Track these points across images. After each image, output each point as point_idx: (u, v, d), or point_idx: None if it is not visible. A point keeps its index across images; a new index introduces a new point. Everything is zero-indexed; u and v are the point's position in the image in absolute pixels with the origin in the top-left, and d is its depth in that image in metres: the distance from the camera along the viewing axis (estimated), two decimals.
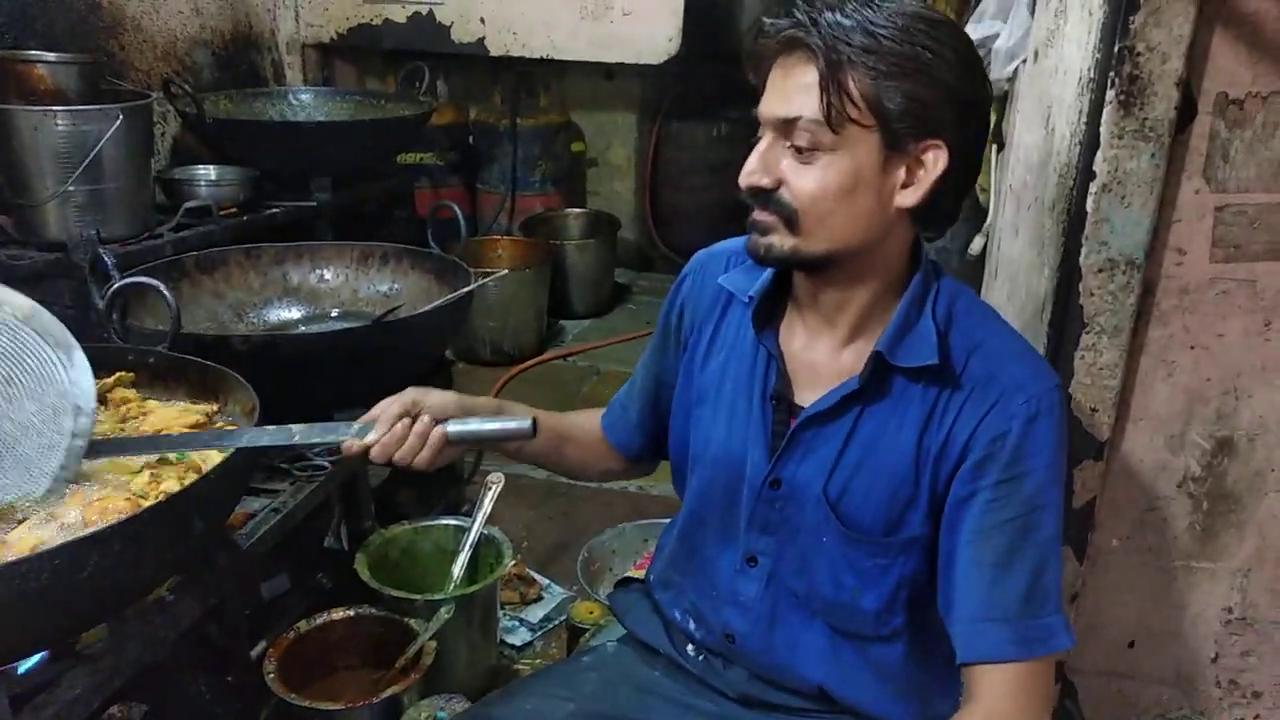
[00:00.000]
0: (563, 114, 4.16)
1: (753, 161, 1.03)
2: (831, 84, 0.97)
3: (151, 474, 1.24)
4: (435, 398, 1.17)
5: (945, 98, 0.97)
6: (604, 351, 3.59)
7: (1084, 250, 1.30)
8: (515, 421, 1.15)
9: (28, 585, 0.98)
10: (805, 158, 1.00)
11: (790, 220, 1.02)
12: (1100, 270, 1.29)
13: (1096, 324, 1.31)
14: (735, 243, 1.24)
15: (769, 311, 1.15)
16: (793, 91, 0.99)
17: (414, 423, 1.14)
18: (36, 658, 1.16)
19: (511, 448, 1.26)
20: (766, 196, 1.03)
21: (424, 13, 3.36)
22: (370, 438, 1.13)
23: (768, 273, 1.14)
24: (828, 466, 1.09)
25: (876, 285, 1.08)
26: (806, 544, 1.12)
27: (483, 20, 3.35)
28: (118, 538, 1.05)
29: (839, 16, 0.97)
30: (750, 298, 1.14)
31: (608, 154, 4.41)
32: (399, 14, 3.38)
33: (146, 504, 1.17)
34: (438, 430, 1.14)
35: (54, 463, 1.17)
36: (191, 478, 1.22)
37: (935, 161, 0.99)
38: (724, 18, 3.93)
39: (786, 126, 1.00)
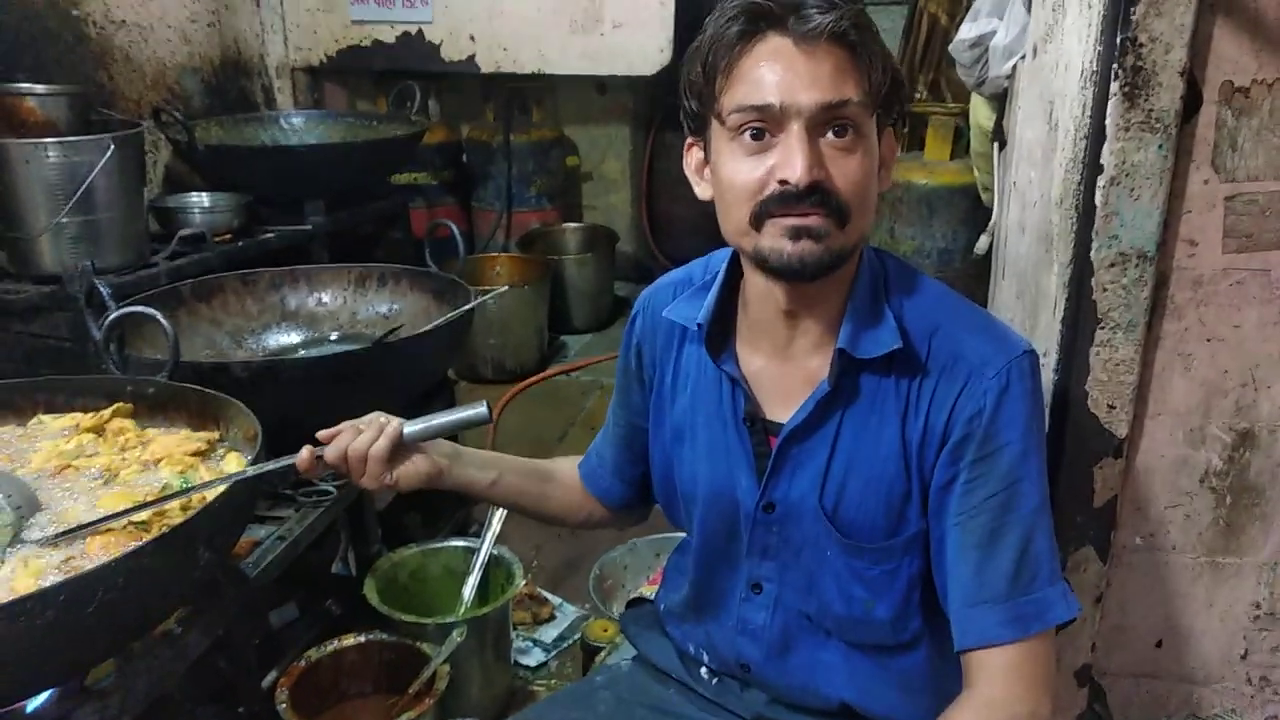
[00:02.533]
0: (556, 129, 4.15)
1: (804, 155, 0.93)
2: (871, 65, 0.95)
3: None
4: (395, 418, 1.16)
5: (898, 78, 1.00)
6: (607, 366, 3.56)
7: (1094, 245, 1.28)
8: (471, 409, 1.14)
9: (33, 622, 0.96)
10: (848, 145, 0.96)
11: (842, 218, 0.97)
12: (1112, 265, 1.28)
13: (1110, 319, 1.29)
14: (675, 274, 1.22)
15: (720, 334, 1.12)
16: (829, 76, 0.94)
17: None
18: (45, 695, 1.13)
19: (484, 481, 1.23)
20: (819, 196, 0.95)
21: (413, 32, 3.35)
22: (335, 444, 1.12)
23: (710, 297, 1.11)
24: (818, 479, 1.06)
25: (847, 279, 1.06)
26: (810, 562, 1.10)
27: (472, 38, 3.34)
28: (123, 570, 1.03)
29: (826, 2, 0.95)
30: (699, 325, 1.10)
31: (602, 167, 4.40)
32: (388, 34, 3.37)
33: (150, 535, 1.15)
34: (393, 425, 1.13)
35: None
36: (195, 507, 1.20)
37: (892, 148, 1.03)
38: None
39: (828, 113, 0.94)
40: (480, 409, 1.14)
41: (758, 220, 0.98)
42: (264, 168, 2.60)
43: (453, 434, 1.20)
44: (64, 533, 1.13)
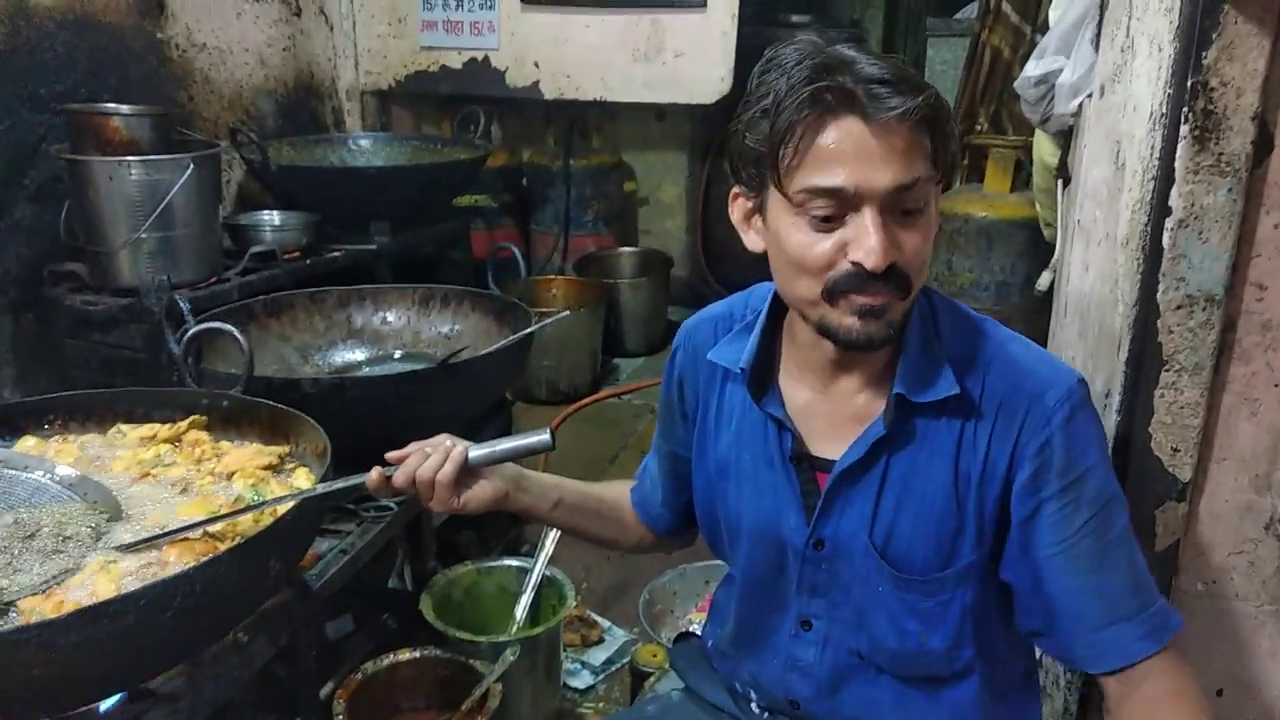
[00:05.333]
0: (614, 154, 4.20)
1: (881, 242, 0.93)
2: (939, 140, 0.96)
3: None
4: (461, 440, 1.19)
5: (957, 139, 1.03)
6: (658, 389, 3.58)
7: (1161, 287, 1.27)
8: (534, 436, 1.16)
9: (115, 626, 1.00)
10: (913, 220, 0.96)
11: (905, 289, 0.98)
12: (1179, 307, 1.27)
13: (1176, 361, 1.28)
14: (716, 308, 1.22)
15: (763, 375, 1.13)
16: (900, 157, 0.93)
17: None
18: (116, 697, 1.17)
19: (545, 506, 1.26)
20: (889, 276, 0.95)
21: (479, 58, 3.43)
22: (405, 467, 1.15)
23: (754, 339, 1.11)
24: (868, 516, 1.07)
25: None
26: (861, 598, 1.10)
27: (537, 65, 3.40)
28: (200, 577, 1.07)
29: (894, 76, 0.93)
30: (742, 369, 1.11)
31: (659, 193, 4.44)
32: (455, 60, 3.45)
33: (225, 546, 1.19)
34: (458, 449, 1.15)
35: None
36: (267, 520, 1.24)
37: (939, 198, 1.02)
38: None
39: (900, 193, 0.94)
40: (543, 437, 1.16)
41: (831, 295, 0.98)
42: (333, 188, 2.68)
43: (514, 459, 1.23)
44: (145, 540, 1.17)
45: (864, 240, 0.94)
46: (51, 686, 1.03)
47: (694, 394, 1.21)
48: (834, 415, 1.10)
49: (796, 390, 1.12)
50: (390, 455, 1.18)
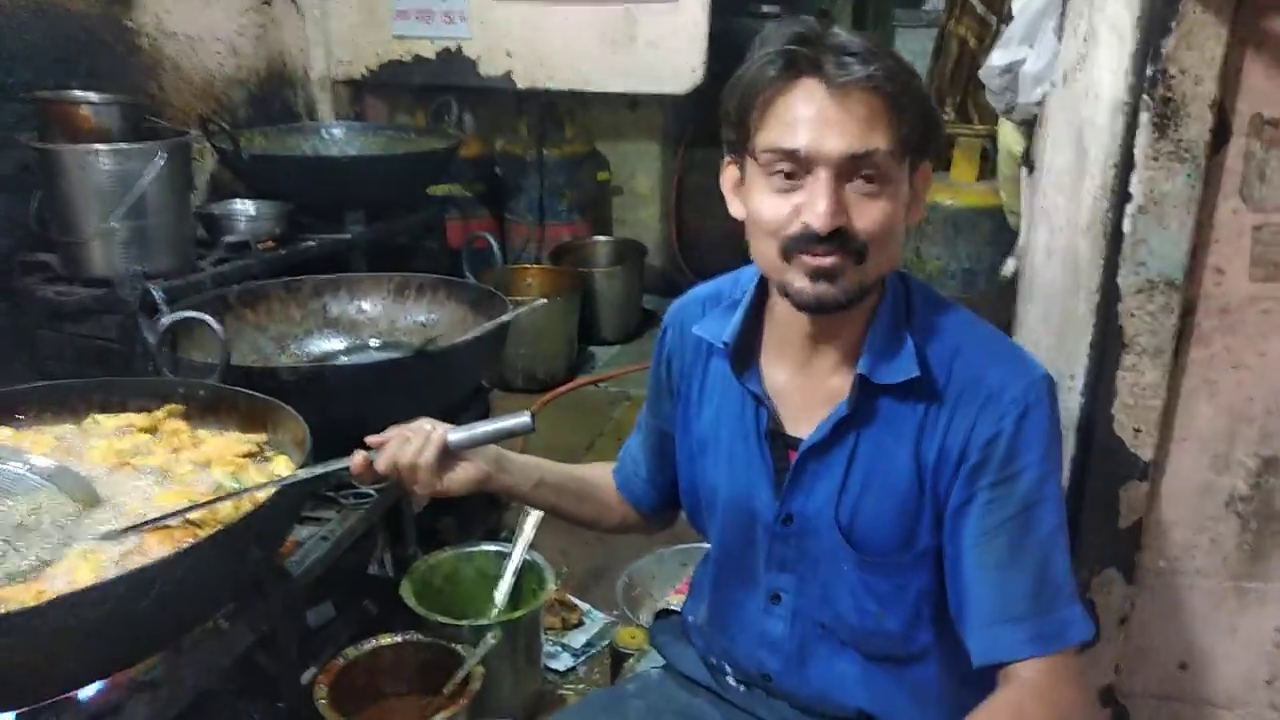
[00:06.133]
0: (588, 144, 4.21)
1: (829, 203, 0.97)
2: (902, 115, 0.98)
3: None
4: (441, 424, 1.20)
5: (933, 121, 1.04)
6: (634, 376, 3.60)
7: (1122, 271, 1.30)
8: (514, 418, 1.18)
9: (94, 613, 1.01)
10: (873, 191, 0.99)
11: (860, 257, 1.00)
12: (1139, 291, 1.30)
13: (1137, 344, 1.32)
14: (704, 288, 1.25)
15: (746, 351, 1.15)
16: (858, 125, 0.96)
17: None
18: (96, 686, 1.18)
19: (526, 486, 1.28)
20: (840, 240, 0.99)
21: (453, 48, 3.42)
22: (387, 451, 1.16)
23: (738, 316, 1.14)
24: (834, 495, 1.10)
25: (870, 306, 1.09)
26: (827, 574, 1.13)
27: (509, 54, 3.40)
28: (180, 565, 1.08)
29: (862, 48, 0.97)
30: (725, 343, 1.14)
31: (633, 182, 4.45)
32: (428, 50, 3.44)
33: (205, 532, 1.20)
34: (438, 433, 1.17)
35: None
36: (247, 507, 1.25)
37: (927, 180, 1.06)
38: (745, 46, 3.97)
39: (855, 162, 0.97)
40: (524, 419, 1.17)
41: (786, 255, 1.01)
42: (306, 177, 2.67)
43: (494, 442, 1.24)
44: (126, 529, 1.18)
45: (814, 203, 0.98)
46: (31, 674, 1.03)
47: (680, 371, 1.24)
48: (808, 395, 1.12)
49: (776, 370, 1.15)
50: (371, 440, 1.19)
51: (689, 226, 4.38)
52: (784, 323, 1.12)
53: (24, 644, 0.98)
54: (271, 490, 1.22)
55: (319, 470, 1.21)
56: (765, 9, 4.14)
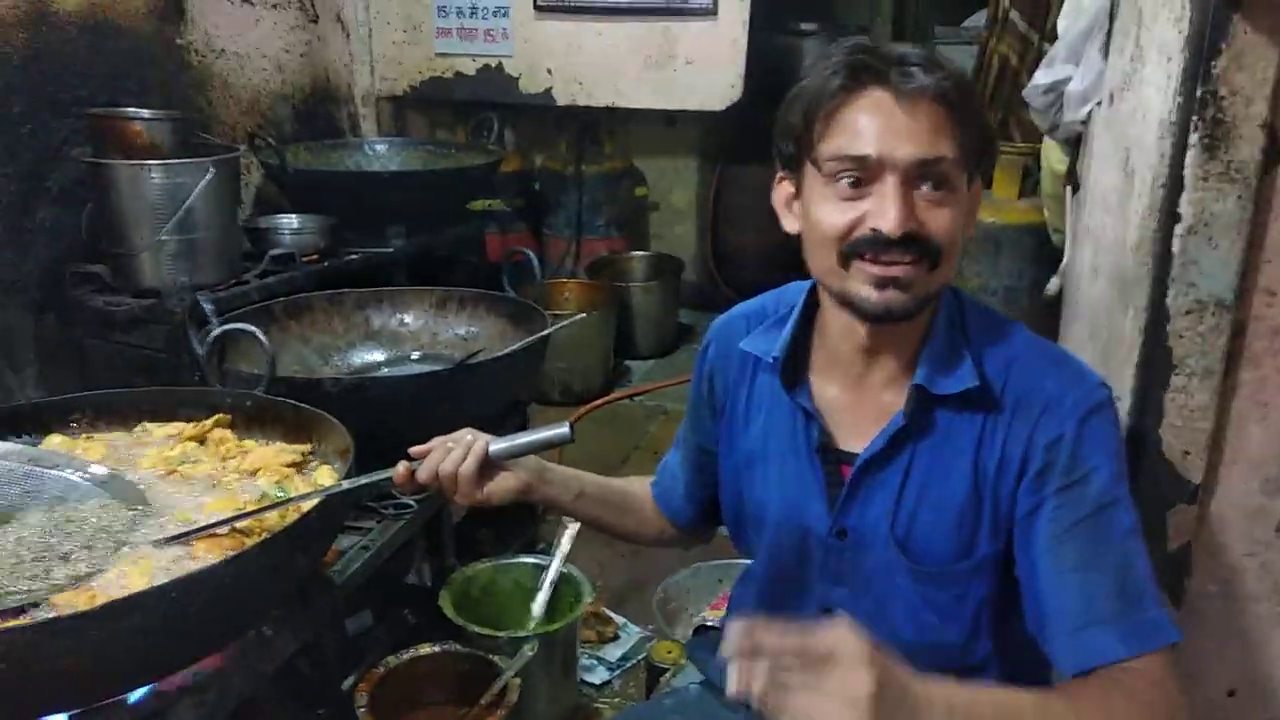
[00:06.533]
0: (626, 160, 4.23)
1: (899, 208, 0.98)
2: (965, 126, 0.99)
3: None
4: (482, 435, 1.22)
5: (989, 135, 1.05)
6: (670, 391, 3.60)
7: (1171, 292, 1.29)
8: (554, 429, 1.19)
9: (145, 618, 1.03)
10: (941, 198, 1.00)
11: (935, 261, 1.01)
12: (1189, 312, 1.29)
13: (1186, 366, 1.30)
14: (748, 305, 1.26)
15: (795, 366, 1.16)
16: (926, 132, 0.98)
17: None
18: (145, 689, 1.20)
19: (568, 497, 1.29)
20: (912, 246, 0.99)
21: (493, 65, 3.46)
22: (429, 461, 1.18)
23: (787, 331, 1.14)
24: (890, 508, 1.09)
25: (926, 318, 1.09)
26: (881, 589, 1.12)
27: (550, 71, 3.44)
28: (230, 572, 1.10)
29: (924, 59, 0.99)
30: (775, 358, 1.14)
31: (670, 198, 4.46)
32: (469, 67, 3.48)
33: (252, 540, 1.22)
34: (479, 444, 1.18)
35: None
36: (292, 517, 1.27)
37: (978, 195, 1.08)
38: (783, 63, 3.99)
39: (924, 168, 0.99)
40: (563, 429, 1.19)
41: (845, 260, 1.02)
42: (349, 192, 2.71)
43: (534, 453, 1.25)
44: (177, 535, 1.20)
45: (884, 208, 0.98)
46: (82, 678, 1.05)
47: (724, 387, 1.25)
48: (860, 410, 1.12)
49: (825, 385, 1.15)
50: (414, 450, 1.21)
51: (725, 242, 4.39)
52: (836, 336, 1.12)
53: (77, 647, 1.00)
54: (317, 499, 1.24)
55: (364, 480, 1.22)
56: (804, 27, 4.15)
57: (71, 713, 1.11)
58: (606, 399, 3.56)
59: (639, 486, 1.40)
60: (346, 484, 1.25)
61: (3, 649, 0.96)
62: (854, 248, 1.01)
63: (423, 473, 1.19)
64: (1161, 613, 1.01)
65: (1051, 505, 1.02)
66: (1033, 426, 1.03)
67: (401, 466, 1.20)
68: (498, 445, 1.19)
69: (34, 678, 1.00)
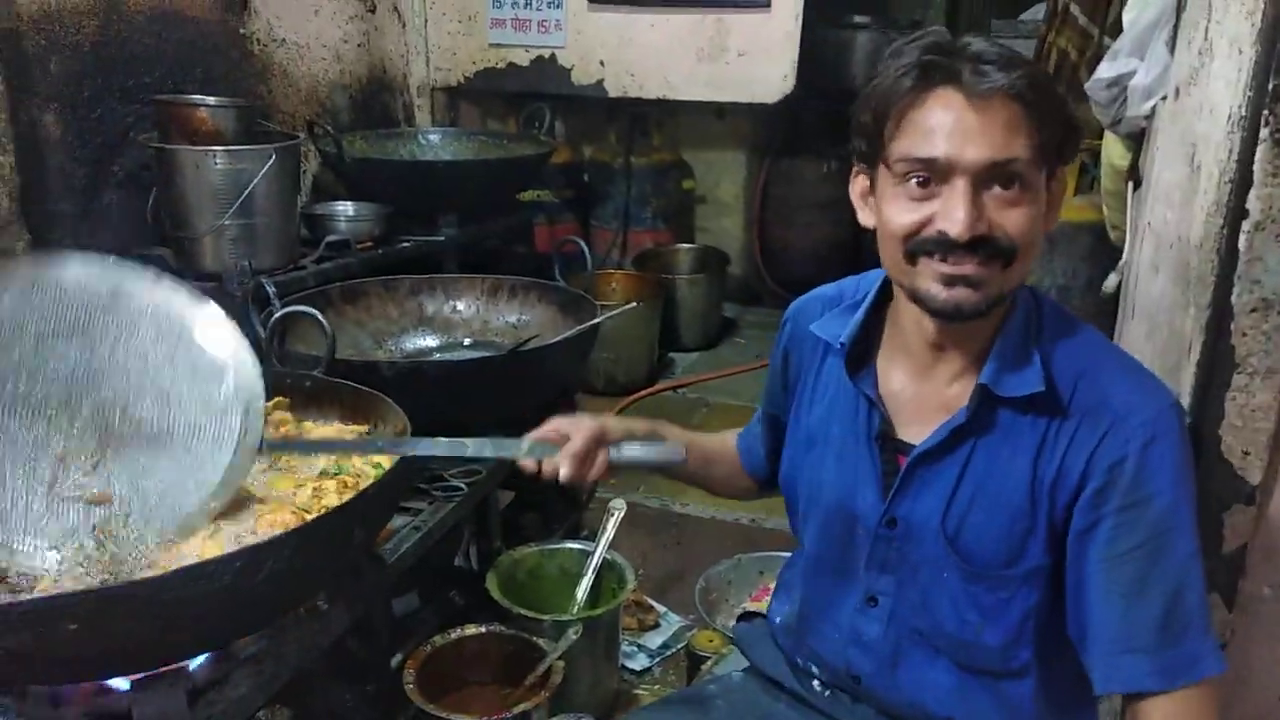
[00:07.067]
0: (674, 152, 4.23)
1: (968, 211, 0.97)
2: (1042, 123, 0.98)
3: (314, 490, 1.32)
4: (613, 424, 1.24)
5: (1073, 126, 1.03)
6: (713, 384, 3.61)
7: (1236, 290, 1.27)
8: (669, 450, 1.24)
9: (213, 586, 1.06)
10: (1014, 197, 0.99)
11: (1009, 260, 1.00)
12: (1253, 310, 1.26)
13: (1249, 365, 1.28)
14: (828, 289, 1.27)
15: (862, 354, 1.16)
16: (998, 133, 0.97)
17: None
18: (205, 656, 1.24)
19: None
20: (984, 246, 0.99)
21: (546, 56, 3.48)
22: (564, 472, 1.19)
23: (858, 317, 1.15)
24: (943, 502, 1.09)
25: (999, 317, 1.08)
26: (927, 580, 1.12)
27: (602, 63, 3.44)
28: (290, 544, 1.13)
29: (999, 56, 0.98)
30: (841, 344, 1.15)
31: (717, 191, 4.46)
32: (522, 58, 3.50)
33: (311, 516, 1.25)
34: (604, 455, 1.21)
35: (224, 457, 1.24)
36: (349, 495, 1.30)
37: (1063, 186, 1.05)
38: (835, 56, 3.97)
39: (994, 169, 0.97)
40: (677, 450, 1.24)
41: (911, 257, 1.02)
42: (404, 180, 2.74)
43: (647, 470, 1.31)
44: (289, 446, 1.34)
45: (951, 211, 0.97)
46: (149, 643, 1.09)
47: (797, 366, 1.27)
48: (924, 402, 1.12)
49: (892, 373, 1.15)
50: (533, 436, 1.23)
51: (772, 236, 4.37)
52: (907, 327, 1.12)
53: (147, 611, 1.04)
54: (444, 453, 1.27)
55: (487, 453, 1.26)
56: (857, 19, 4.11)
57: (135, 677, 1.15)
58: (651, 390, 3.56)
59: (729, 442, 1.44)
60: (472, 448, 1.26)
61: (75, 611, 0.99)
62: (920, 246, 1.01)
63: (549, 470, 1.20)
64: (1205, 644, 1.01)
65: (1107, 526, 1.02)
66: (1096, 442, 1.02)
67: (530, 462, 1.21)
68: (615, 455, 1.23)
69: (102, 640, 1.04)
